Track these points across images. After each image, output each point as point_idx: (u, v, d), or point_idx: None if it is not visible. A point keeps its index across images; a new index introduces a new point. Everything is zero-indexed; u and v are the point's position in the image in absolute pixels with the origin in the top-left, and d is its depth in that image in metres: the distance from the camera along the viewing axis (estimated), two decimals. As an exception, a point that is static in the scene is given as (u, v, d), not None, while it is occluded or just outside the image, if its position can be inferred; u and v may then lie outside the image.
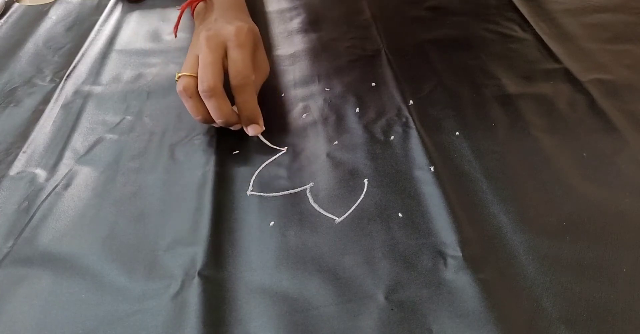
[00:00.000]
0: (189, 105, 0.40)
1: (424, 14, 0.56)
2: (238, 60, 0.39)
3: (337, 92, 0.45)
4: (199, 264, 0.32)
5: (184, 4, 0.47)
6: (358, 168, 0.38)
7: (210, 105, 0.38)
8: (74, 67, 0.52)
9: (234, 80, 0.39)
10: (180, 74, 0.39)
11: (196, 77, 0.38)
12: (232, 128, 0.41)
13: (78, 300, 0.31)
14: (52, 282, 0.32)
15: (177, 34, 0.48)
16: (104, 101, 0.48)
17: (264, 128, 0.41)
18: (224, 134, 0.42)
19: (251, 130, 0.41)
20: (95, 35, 0.57)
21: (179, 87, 0.39)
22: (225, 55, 0.39)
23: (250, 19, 0.46)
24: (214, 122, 0.40)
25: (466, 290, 0.29)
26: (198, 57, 0.39)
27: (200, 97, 0.38)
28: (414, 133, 0.40)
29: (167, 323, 0.29)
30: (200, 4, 0.47)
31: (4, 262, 0.34)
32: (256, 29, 0.43)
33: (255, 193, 0.37)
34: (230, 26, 0.40)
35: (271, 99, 0.46)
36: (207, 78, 0.37)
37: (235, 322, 0.29)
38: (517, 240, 0.32)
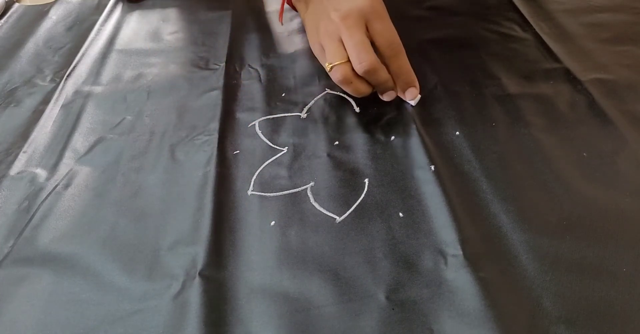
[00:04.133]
0: (350, 88, 0.40)
1: (424, 13, 0.56)
2: (385, 31, 0.39)
3: (337, 92, 0.45)
4: (199, 264, 0.32)
5: None
6: (358, 168, 0.38)
7: (373, 80, 0.39)
8: (74, 67, 0.52)
9: (386, 51, 0.39)
10: (332, 65, 0.39)
11: (348, 61, 0.38)
12: (385, 97, 0.41)
13: (78, 300, 0.31)
14: (52, 282, 0.32)
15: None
16: (104, 101, 0.48)
17: (417, 100, 0.42)
18: (224, 134, 0.42)
19: (409, 94, 0.41)
20: (96, 35, 0.57)
21: (338, 76, 0.39)
22: (367, 29, 0.39)
23: None
24: (373, 91, 0.40)
25: (467, 289, 0.29)
26: (339, 40, 0.39)
27: (360, 77, 0.39)
28: (414, 133, 0.40)
29: (168, 322, 0.29)
30: None
31: (5, 262, 0.34)
32: None
33: (256, 193, 0.37)
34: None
35: (271, 99, 0.46)
36: (364, 58, 0.37)
37: (236, 322, 0.29)
38: (517, 239, 0.32)
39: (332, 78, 0.40)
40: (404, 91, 0.41)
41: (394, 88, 0.41)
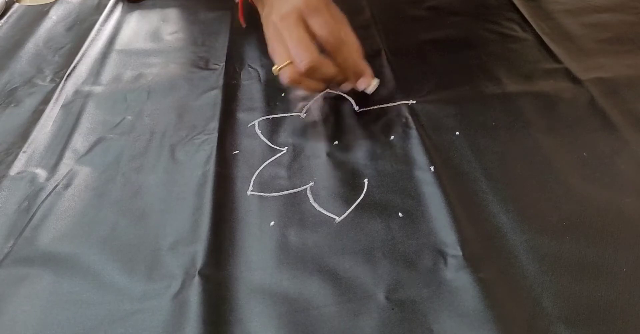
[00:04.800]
0: (303, 88, 0.40)
1: (424, 14, 0.56)
2: (321, 26, 0.38)
3: (337, 92, 0.45)
4: (199, 264, 0.32)
5: None
6: (358, 168, 0.38)
7: (318, 76, 0.38)
8: (74, 67, 0.52)
9: (327, 45, 0.38)
10: (279, 67, 0.38)
11: (292, 62, 0.38)
12: (343, 88, 0.41)
13: (79, 300, 0.31)
14: (52, 282, 0.32)
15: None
16: (104, 101, 0.48)
17: (376, 79, 0.41)
18: (224, 134, 0.42)
19: (362, 84, 0.41)
20: (96, 35, 0.57)
21: (285, 79, 0.38)
22: (307, 26, 0.38)
23: None
24: (327, 87, 0.40)
25: (466, 289, 0.29)
26: (282, 42, 0.39)
27: (307, 76, 0.38)
28: (414, 133, 0.40)
29: (167, 322, 0.29)
30: None
31: (5, 262, 0.34)
32: None
33: (256, 193, 0.37)
34: None
35: (271, 99, 0.46)
36: (303, 57, 0.37)
37: (236, 321, 0.29)
38: (517, 240, 0.32)
39: (281, 81, 0.39)
40: (354, 83, 0.41)
41: (346, 80, 0.41)
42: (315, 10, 0.38)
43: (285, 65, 0.38)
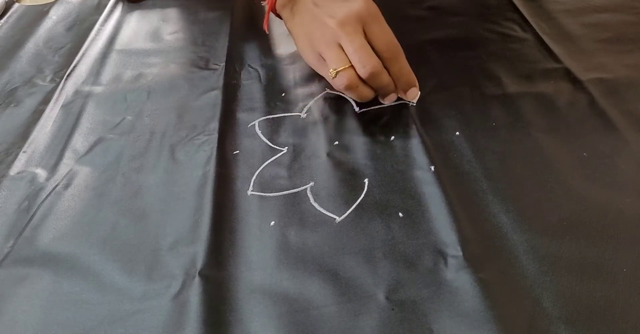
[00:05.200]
0: (355, 93, 0.40)
1: (424, 14, 0.56)
2: (382, 34, 0.39)
3: (337, 92, 0.45)
4: (199, 264, 0.32)
5: None
6: (358, 168, 0.38)
7: (377, 83, 0.39)
8: (74, 67, 0.52)
9: (385, 53, 0.39)
10: (336, 70, 0.38)
11: (351, 66, 0.38)
12: (387, 101, 0.42)
13: (79, 300, 0.31)
14: (52, 282, 0.32)
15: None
16: (104, 101, 0.48)
17: (417, 97, 0.42)
18: (224, 134, 0.42)
19: (411, 94, 0.42)
20: (96, 35, 0.57)
21: (344, 82, 0.38)
22: (364, 33, 0.39)
23: None
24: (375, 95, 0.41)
25: (467, 290, 0.29)
26: (338, 47, 0.39)
27: (363, 82, 0.39)
28: (414, 133, 0.40)
29: (167, 322, 0.29)
30: None
31: (5, 262, 0.34)
32: None
33: (256, 193, 0.37)
34: (353, 3, 0.39)
35: (271, 99, 0.46)
36: (367, 62, 0.37)
37: (236, 322, 0.29)
38: (517, 240, 0.32)
39: (336, 85, 0.39)
40: (405, 92, 0.42)
41: (395, 91, 0.41)
42: (376, 19, 0.39)
43: (344, 69, 0.38)
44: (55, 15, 0.62)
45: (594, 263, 0.30)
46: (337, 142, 0.41)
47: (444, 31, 0.53)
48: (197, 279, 0.31)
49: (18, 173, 0.41)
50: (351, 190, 0.37)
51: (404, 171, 0.37)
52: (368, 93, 0.40)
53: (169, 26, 0.58)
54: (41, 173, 0.40)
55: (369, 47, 0.38)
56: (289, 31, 0.46)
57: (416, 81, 0.42)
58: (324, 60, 0.41)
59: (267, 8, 0.46)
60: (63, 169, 0.40)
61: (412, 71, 0.41)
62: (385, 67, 0.39)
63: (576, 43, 0.49)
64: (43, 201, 0.38)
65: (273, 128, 0.43)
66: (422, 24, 0.54)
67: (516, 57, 0.48)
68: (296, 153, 0.40)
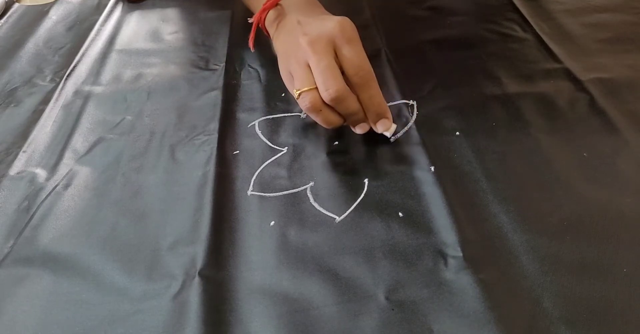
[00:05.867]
0: (320, 118, 0.37)
1: (424, 14, 0.56)
2: (354, 56, 0.36)
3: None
4: (199, 264, 0.32)
5: (256, 14, 0.43)
6: (358, 168, 0.38)
7: (342, 109, 0.36)
8: (74, 67, 0.52)
9: (355, 78, 0.36)
10: (300, 91, 0.36)
11: (316, 88, 0.35)
12: (358, 130, 0.39)
13: (78, 300, 0.31)
14: (52, 282, 0.32)
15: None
16: (104, 101, 0.48)
17: (394, 124, 0.39)
18: (224, 134, 0.42)
19: (381, 126, 0.38)
20: (96, 35, 0.57)
21: (306, 104, 0.36)
22: (336, 55, 0.36)
23: (328, 13, 0.42)
24: (342, 124, 0.38)
25: (467, 290, 0.29)
26: (307, 66, 0.36)
27: (329, 106, 0.36)
28: (414, 133, 0.40)
29: (167, 322, 0.29)
30: (270, 13, 0.43)
31: (5, 262, 0.34)
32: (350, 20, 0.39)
33: (256, 193, 0.37)
34: (329, 22, 0.37)
35: (271, 99, 0.46)
36: (330, 85, 0.35)
37: (236, 322, 0.29)
38: (517, 240, 0.32)
39: (300, 106, 0.37)
40: (375, 123, 0.38)
41: (365, 120, 0.38)
42: (350, 40, 0.36)
43: (308, 90, 0.36)
44: (55, 15, 0.62)
45: (594, 263, 0.30)
46: (337, 142, 0.41)
47: (444, 31, 0.53)
48: (197, 279, 0.31)
49: (18, 173, 0.41)
50: (351, 190, 0.37)
51: (404, 171, 0.37)
52: (334, 119, 0.37)
53: (169, 26, 0.58)
54: (41, 173, 0.40)
55: (337, 69, 0.36)
56: (274, 49, 0.44)
57: (388, 112, 0.38)
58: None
59: (253, 24, 0.44)
60: (63, 169, 0.40)
61: (384, 101, 0.38)
62: (355, 94, 0.37)
63: (576, 43, 0.49)
64: (43, 201, 0.38)
65: (273, 128, 0.43)
66: (422, 24, 0.54)
67: (516, 57, 0.48)
68: (296, 153, 0.40)
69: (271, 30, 0.44)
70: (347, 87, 0.35)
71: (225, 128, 0.43)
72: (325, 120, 0.37)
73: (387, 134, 0.39)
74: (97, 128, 0.44)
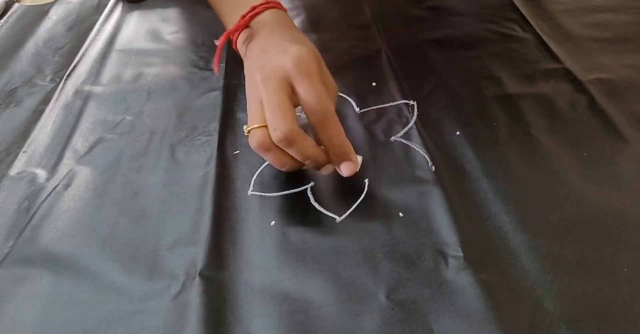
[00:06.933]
0: (270, 158, 0.34)
1: (424, 14, 0.56)
2: (310, 94, 0.33)
3: (337, 93, 0.45)
4: (199, 264, 0.32)
5: (222, 37, 0.40)
6: (359, 168, 0.38)
7: (293, 152, 0.33)
8: (74, 67, 0.52)
9: (312, 118, 0.33)
10: (249, 128, 0.33)
11: (266, 126, 0.32)
12: (323, 171, 0.36)
13: (79, 300, 0.31)
14: (52, 282, 0.32)
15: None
16: (104, 101, 0.48)
17: (359, 165, 0.36)
18: (224, 134, 0.42)
19: (345, 169, 0.34)
20: (96, 35, 0.57)
21: (253, 143, 0.33)
22: (292, 91, 0.33)
23: (301, 35, 0.38)
24: (302, 166, 0.35)
25: (467, 290, 0.29)
26: (260, 102, 0.33)
27: (280, 147, 0.33)
28: (414, 133, 0.40)
29: (168, 323, 0.29)
30: (241, 34, 0.40)
31: (5, 262, 0.34)
32: (314, 48, 0.35)
33: (256, 193, 0.37)
34: (285, 56, 0.33)
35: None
36: (278, 125, 0.31)
37: (236, 322, 0.29)
38: (518, 240, 0.32)
39: (250, 144, 0.33)
40: (338, 165, 0.35)
41: (328, 162, 0.35)
42: (306, 76, 0.33)
43: (258, 127, 0.33)
44: (55, 15, 0.62)
45: (595, 263, 0.30)
46: (337, 142, 0.40)
47: (444, 31, 0.53)
48: (197, 279, 0.31)
49: (18, 173, 0.41)
50: (352, 190, 0.36)
51: (404, 171, 0.37)
52: (287, 162, 0.34)
53: (169, 26, 0.58)
54: (41, 173, 0.40)
55: (289, 108, 0.32)
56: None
57: (352, 154, 0.35)
58: None
59: (218, 47, 0.40)
60: (63, 169, 0.40)
61: (346, 141, 0.34)
62: (316, 134, 0.34)
63: (576, 43, 0.49)
64: (43, 201, 0.38)
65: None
66: (422, 24, 0.54)
67: (516, 57, 0.48)
68: (296, 153, 0.40)
69: (242, 53, 0.40)
70: (298, 128, 0.32)
71: (226, 128, 0.43)
72: (276, 161, 0.34)
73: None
74: (97, 128, 0.44)
